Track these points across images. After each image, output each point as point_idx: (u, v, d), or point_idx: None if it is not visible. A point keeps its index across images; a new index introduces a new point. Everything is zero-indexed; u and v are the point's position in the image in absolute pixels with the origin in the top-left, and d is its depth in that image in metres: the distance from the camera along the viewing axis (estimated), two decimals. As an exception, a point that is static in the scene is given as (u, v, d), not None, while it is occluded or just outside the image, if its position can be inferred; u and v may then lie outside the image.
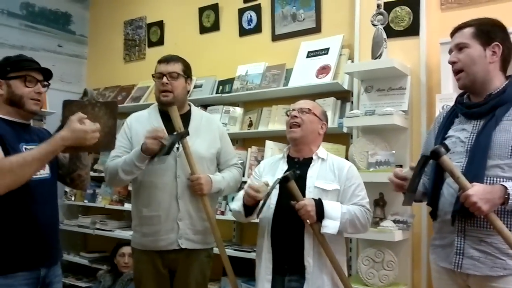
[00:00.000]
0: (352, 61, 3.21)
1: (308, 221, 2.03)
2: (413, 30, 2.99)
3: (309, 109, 2.25)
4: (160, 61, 2.53)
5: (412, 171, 1.87)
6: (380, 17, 2.91)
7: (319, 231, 2.05)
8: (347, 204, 2.14)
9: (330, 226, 2.03)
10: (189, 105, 2.61)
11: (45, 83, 2.17)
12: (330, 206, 2.06)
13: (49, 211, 2.12)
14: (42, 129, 2.31)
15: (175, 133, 2.33)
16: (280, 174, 2.19)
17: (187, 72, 2.54)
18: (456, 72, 1.88)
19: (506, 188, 1.66)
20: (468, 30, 1.85)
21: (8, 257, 1.96)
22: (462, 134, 1.86)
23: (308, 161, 2.24)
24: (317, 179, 2.17)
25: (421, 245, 2.82)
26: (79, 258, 4.49)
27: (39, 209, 2.04)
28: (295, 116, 2.23)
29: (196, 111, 2.61)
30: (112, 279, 3.66)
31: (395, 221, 2.78)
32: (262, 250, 2.18)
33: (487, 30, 1.83)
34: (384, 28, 2.90)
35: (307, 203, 2.02)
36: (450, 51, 1.92)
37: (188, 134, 2.35)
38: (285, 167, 2.25)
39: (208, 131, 2.55)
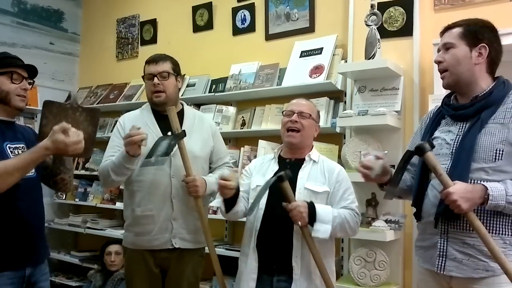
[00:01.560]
0: (346, 61, 3.22)
1: (299, 223, 2.00)
2: (406, 30, 3.00)
3: (309, 114, 2.21)
4: (148, 62, 2.49)
5: (376, 160, 1.88)
6: (373, 17, 2.91)
7: (309, 235, 2.02)
8: (336, 206, 2.13)
9: (321, 230, 2.01)
10: (182, 104, 2.60)
11: (30, 80, 2.16)
12: (322, 210, 2.04)
13: (34, 209, 2.10)
14: (27, 128, 2.29)
15: (169, 133, 2.30)
16: (270, 174, 2.18)
17: (177, 69, 2.52)
18: (441, 72, 1.89)
19: (486, 188, 1.67)
20: (456, 30, 1.85)
21: None
22: (448, 136, 1.86)
23: (299, 162, 2.22)
24: (308, 180, 2.16)
25: (412, 245, 2.81)
26: (69, 257, 4.46)
27: (25, 208, 2.03)
28: (295, 121, 2.18)
29: (189, 110, 2.59)
30: (102, 279, 3.64)
31: (387, 221, 2.79)
32: (249, 249, 2.17)
33: (475, 31, 1.82)
34: (377, 28, 2.90)
35: (300, 204, 2.00)
36: (439, 51, 1.92)
37: (185, 135, 2.31)
38: (276, 167, 2.23)
39: (201, 130, 2.53)
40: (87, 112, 2.03)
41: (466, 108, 1.83)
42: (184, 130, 2.31)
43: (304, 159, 2.22)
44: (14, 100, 2.07)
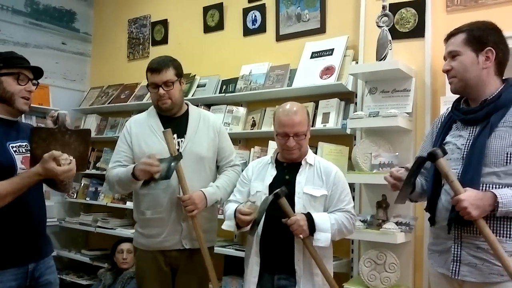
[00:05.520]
0: (357, 62, 3.21)
1: (301, 236, 2.05)
2: (418, 32, 2.98)
3: (304, 133, 2.18)
4: (151, 71, 2.44)
5: (405, 172, 1.89)
6: (385, 18, 2.90)
7: (311, 244, 2.08)
8: (333, 209, 2.18)
9: (322, 239, 2.08)
10: (187, 105, 2.60)
11: (35, 81, 2.17)
12: (320, 219, 2.10)
13: (36, 207, 2.13)
14: (30, 126, 2.30)
15: (167, 156, 2.30)
16: (269, 179, 2.23)
17: (179, 72, 2.49)
18: (450, 77, 1.89)
19: (496, 196, 1.66)
20: (460, 37, 1.84)
21: None
22: (458, 140, 1.85)
23: (296, 166, 2.24)
24: (306, 184, 2.19)
25: (423, 247, 2.81)
26: (80, 256, 4.49)
27: (27, 206, 2.05)
28: (293, 145, 2.17)
29: (193, 111, 2.58)
30: (112, 277, 3.66)
31: (397, 223, 2.77)
32: (251, 253, 2.22)
33: (479, 35, 1.81)
34: (389, 29, 2.88)
35: (299, 218, 2.05)
36: (445, 59, 1.91)
37: (181, 158, 2.31)
38: (274, 172, 2.27)
39: (207, 131, 2.53)
40: (77, 134, 2.04)
41: (475, 112, 1.83)
42: (180, 153, 2.32)
43: (299, 163, 2.24)
44: (18, 102, 2.08)
